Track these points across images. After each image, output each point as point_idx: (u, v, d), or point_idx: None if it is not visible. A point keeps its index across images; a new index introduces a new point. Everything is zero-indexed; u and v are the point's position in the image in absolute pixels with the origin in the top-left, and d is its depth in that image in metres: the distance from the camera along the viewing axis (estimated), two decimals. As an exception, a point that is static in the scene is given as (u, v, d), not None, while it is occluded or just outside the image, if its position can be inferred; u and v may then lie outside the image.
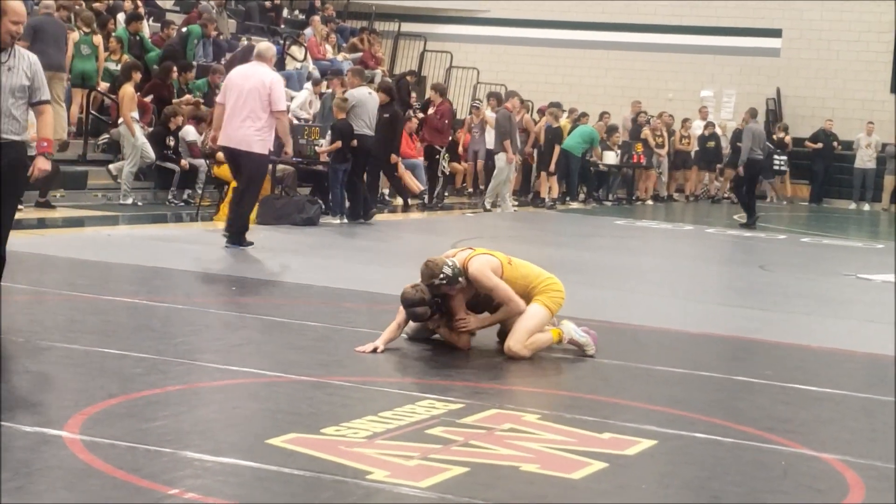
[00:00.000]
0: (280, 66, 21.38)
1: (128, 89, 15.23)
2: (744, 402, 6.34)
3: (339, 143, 14.95)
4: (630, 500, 4.44)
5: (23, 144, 6.76)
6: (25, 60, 6.74)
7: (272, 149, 11.74)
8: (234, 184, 14.21)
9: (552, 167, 20.71)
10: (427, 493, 4.29)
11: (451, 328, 7.16)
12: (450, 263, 7.00)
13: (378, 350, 6.85)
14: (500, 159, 18.94)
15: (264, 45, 11.96)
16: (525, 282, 7.13)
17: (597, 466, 4.77)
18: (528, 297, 7.12)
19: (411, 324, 7.24)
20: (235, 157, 11.44)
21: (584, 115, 22.20)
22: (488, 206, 19.02)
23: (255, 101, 11.17)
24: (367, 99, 15.41)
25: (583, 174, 22.26)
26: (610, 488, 4.54)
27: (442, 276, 6.94)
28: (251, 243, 11.51)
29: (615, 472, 4.74)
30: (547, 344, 7.08)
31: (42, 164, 6.87)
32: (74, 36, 16.38)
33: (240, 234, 11.49)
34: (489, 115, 20.26)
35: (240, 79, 11.43)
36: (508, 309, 7.09)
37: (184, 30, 19.19)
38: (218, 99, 11.88)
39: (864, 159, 26.29)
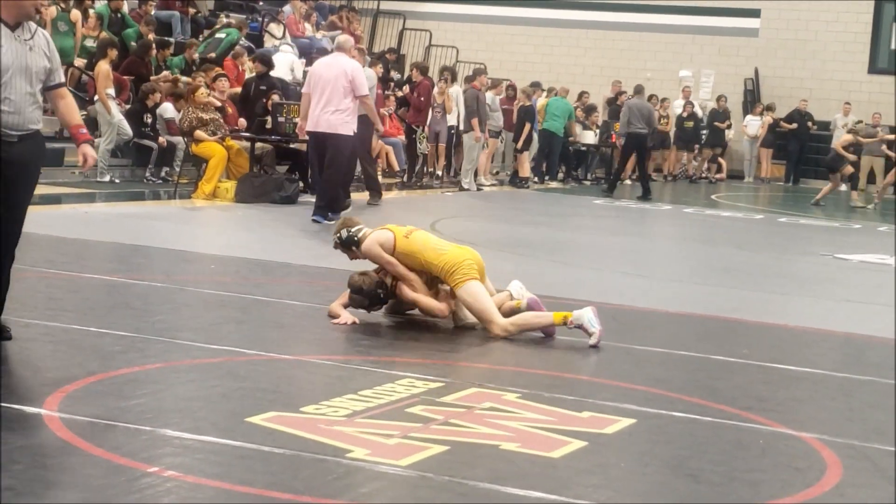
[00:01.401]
0: (258, 43, 21.31)
1: (103, 66, 15.13)
2: (722, 381, 6.37)
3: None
4: (609, 479, 4.46)
5: (42, 135, 6.04)
6: (42, 38, 5.90)
7: (356, 130, 12.63)
8: (212, 161, 14.23)
9: (520, 145, 20.53)
10: (407, 472, 4.29)
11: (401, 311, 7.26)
12: (355, 227, 7.22)
13: (356, 322, 6.97)
14: (468, 138, 18.90)
15: (343, 38, 13.20)
16: (423, 257, 7.08)
17: (576, 445, 4.78)
18: (438, 282, 7.14)
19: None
20: (322, 141, 12.43)
21: (552, 90, 21.99)
22: (465, 186, 19.00)
23: (339, 89, 12.25)
24: (375, 78, 15.63)
25: (562, 153, 22.29)
26: (589, 467, 4.55)
27: (337, 236, 7.27)
28: (338, 215, 11.90)
29: (594, 450, 4.76)
30: (541, 323, 7.03)
31: (92, 153, 6.08)
32: (52, 12, 16.27)
33: (324, 209, 12.55)
34: (450, 92, 19.75)
35: (323, 69, 12.55)
36: (407, 285, 7.14)
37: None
38: (304, 89, 12.96)
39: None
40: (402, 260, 7.11)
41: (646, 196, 19.81)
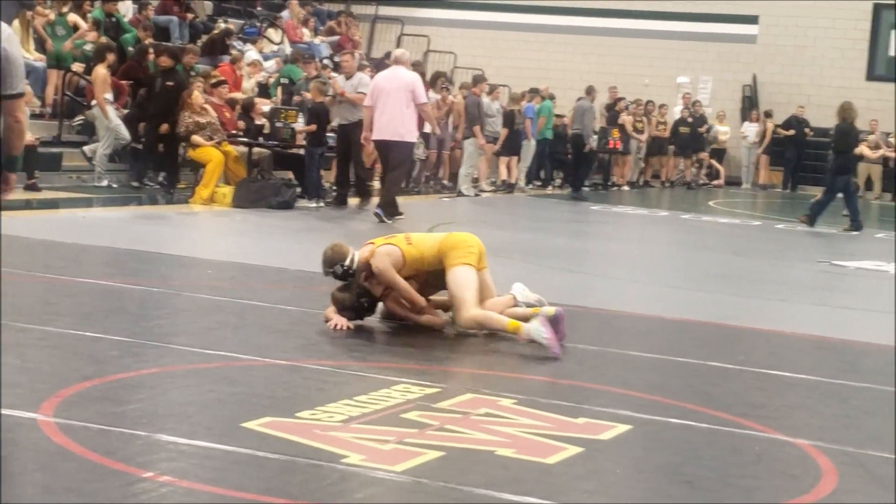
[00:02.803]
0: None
1: (100, 71, 15.11)
2: (718, 387, 6.37)
3: (314, 126, 14.92)
4: (605, 485, 4.46)
5: None
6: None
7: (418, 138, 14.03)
8: (210, 166, 14.23)
9: (497, 147, 20.28)
10: (402, 478, 4.29)
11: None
12: (348, 259, 7.04)
13: (350, 327, 6.97)
14: (469, 144, 18.88)
15: (399, 51, 14.37)
16: (431, 253, 7.07)
17: (572, 451, 4.78)
18: (443, 266, 7.08)
19: (380, 306, 7.29)
20: (386, 148, 13.38)
21: (534, 91, 21.91)
22: (464, 192, 18.99)
23: (401, 99, 13.21)
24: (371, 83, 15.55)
25: (559, 159, 22.33)
26: (585, 473, 4.55)
27: (334, 269, 7.08)
28: (401, 214, 13.47)
29: (590, 456, 4.76)
30: (498, 326, 6.96)
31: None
32: (49, 16, 16.26)
33: (388, 208, 13.47)
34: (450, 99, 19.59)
35: (384, 81, 13.48)
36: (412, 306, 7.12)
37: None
38: (366, 102, 13.78)
39: (840, 146, 26.36)
40: (414, 266, 7.06)
41: (573, 196, 20.25)
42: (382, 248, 7.09)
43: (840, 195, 17.39)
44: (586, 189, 21.86)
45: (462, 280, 6.98)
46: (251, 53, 20.03)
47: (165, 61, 14.92)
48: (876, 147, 25.56)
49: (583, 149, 20.76)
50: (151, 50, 16.87)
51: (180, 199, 14.43)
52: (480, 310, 6.97)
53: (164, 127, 14.77)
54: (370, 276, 7.07)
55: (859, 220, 17.12)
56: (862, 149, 22.19)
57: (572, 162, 21.21)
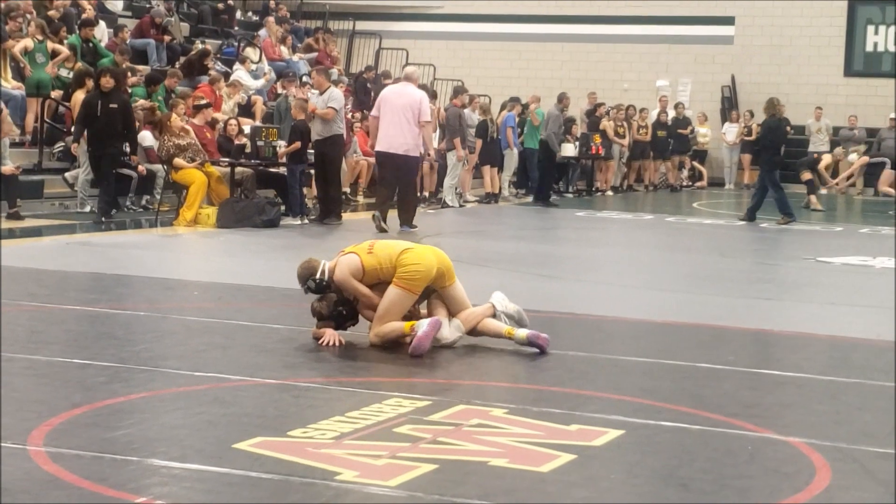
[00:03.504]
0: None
1: (79, 97, 15.08)
2: (709, 388, 6.37)
3: (298, 144, 14.93)
4: (599, 491, 4.45)
5: None
6: None
7: (421, 152, 14.41)
8: (193, 187, 14.22)
9: (475, 158, 20.28)
10: (397, 492, 4.28)
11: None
12: (319, 272, 7.08)
13: (341, 342, 7.01)
14: (451, 157, 18.90)
15: (411, 69, 15.00)
16: (387, 264, 7.06)
17: (565, 458, 4.78)
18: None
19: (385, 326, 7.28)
20: (391, 159, 13.95)
21: (514, 100, 21.92)
22: (449, 203, 18.98)
23: (409, 115, 13.78)
24: (342, 98, 15.56)
25: (542, 167, 22.33)
26: (579, 480, 4.55)
27: (307, 284, 7.13)
28: (413, 226, 14.22)
29: (584, 463, 4.75)
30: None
31: None
32: (28, 44, 16.21)
33: (409, 221, 14.27)
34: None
35: (393, 96, 14.05)
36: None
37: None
38: (372, 113, 14.48)
39: (818, 144, 26.49)
40: (374, 274, 7.05)
41: (537, 203, 20.24)
42: (343, 259, 7.15)
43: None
44: (560, 196, 21.91)
45: (387, 300, 7.01)
46: (240, 73, 20.06)
47: (108, 82, 14.19)
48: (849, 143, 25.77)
49: (552, 156, 20.67)
50: (130, 74, 16.88)
51: (164, 222, 14.40)
52: (382, 326, 6.99)
53: (135, 158, 14.66)
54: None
55: (791, 211, 17.52)
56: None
57: (539, 169, 21.01)
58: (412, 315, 7.13)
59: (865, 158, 25.25)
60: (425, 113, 14.07)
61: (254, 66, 21.15)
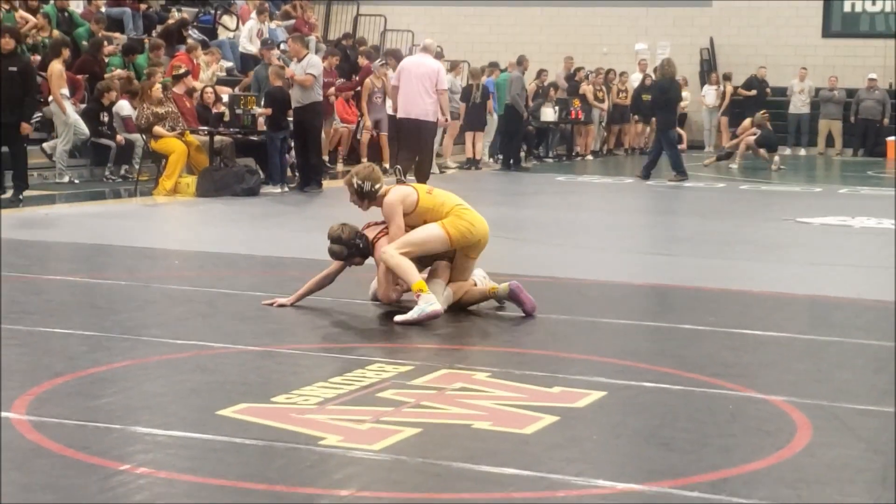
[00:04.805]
0: (212, 35, 21.18)
1: (56, 66, 14.95)
2: (690, 349, 6.40)
3: (269, 110, 14.88)
4: (583, 452, 4.48)
5: None
6: None
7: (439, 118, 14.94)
8: (172, 157, 14.16)
9: (458, 124, 20.18)
10: (380, 456, 4.30)
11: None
12: (376, 186, 7.14)
13: (282, 305, 7.07)
14: None
15: (429, 41, 15.54)
16: (444, 208, 7.13)
17: (548, 420, 4.80)
18: (431, 261, 7.18)
19: (373, 286, 7.26)
20: (412, 125, 14.57)
21: (493, 65, 21.82)
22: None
23: (427, 83, 14.44)
24: (321, 65, 15.58)
25: (521, 131, 22.28)
26: (562, 441, 4.57)
27: (358, 184, 7.12)
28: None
29: (566, 424, 4.78)
30: (403, 276, 6.88)
31: None
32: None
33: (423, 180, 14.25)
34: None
35: (412, 66, 14.76)
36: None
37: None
38: (392, 82, 15.27)
39: (798, 105, 26.53)
40: (424, 215, 7.08)
41: (506, 168, 20.38)
42: (399, 188, 7.24)
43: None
44: (540, 161, 21.87)
45: (425, 231, 7.02)
46: (243, 40, 20.00)
47: (7, 43, 12.71)
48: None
49: (519, 120, 20.63)
50: (107, 43, 16.76)
51: (144, 192, 14.35)
52: (402, 257, 6.90)
53: (26, 128, 12.93)
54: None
55: (684, 169, 18.33)
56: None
57: (503, 134, 20.96)
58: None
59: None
60: (442, 81, 14.81)
61: (231, 35, 21.02)
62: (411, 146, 14.80)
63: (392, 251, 6.92)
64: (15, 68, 12.70)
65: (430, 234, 7.02)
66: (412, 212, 7.10)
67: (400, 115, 14.78)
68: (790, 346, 6.56)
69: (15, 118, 12.68)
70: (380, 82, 18.49)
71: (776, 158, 21.56)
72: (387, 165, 18.52)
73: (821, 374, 5.89)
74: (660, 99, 18.79)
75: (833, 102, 26.24)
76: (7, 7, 16.10)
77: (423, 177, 14.71)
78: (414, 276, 6.86)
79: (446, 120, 16.40)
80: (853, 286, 8.52)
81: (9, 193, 12.83)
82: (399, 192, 7.15)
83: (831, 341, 6.64)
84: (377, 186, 7.17)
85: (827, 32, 27.28)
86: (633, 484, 4.08)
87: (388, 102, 18.47)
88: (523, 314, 7.03)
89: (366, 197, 7.20)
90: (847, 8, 27.21)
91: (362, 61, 19.59)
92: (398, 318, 6.73)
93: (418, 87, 14.51)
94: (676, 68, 19.36)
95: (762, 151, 21.79)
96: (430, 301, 6.73)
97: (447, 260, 7.19)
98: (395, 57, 18.65)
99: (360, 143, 18.86)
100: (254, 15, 19.90)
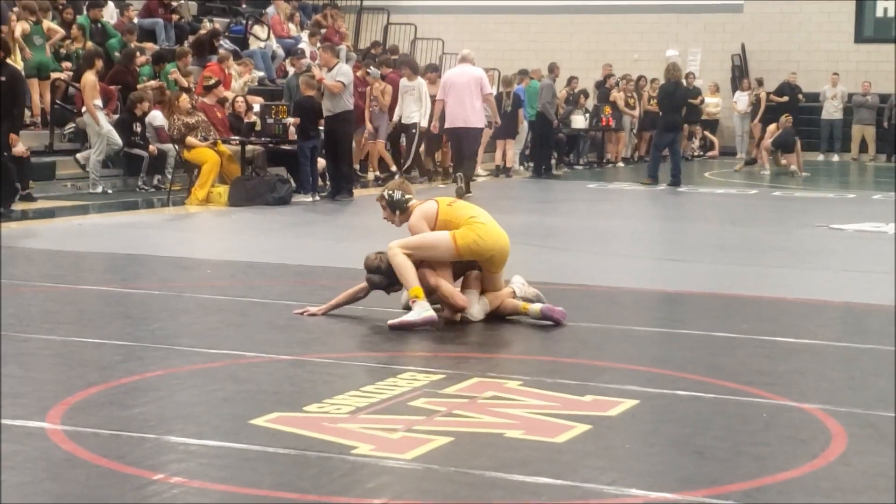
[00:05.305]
0: (243, 45, 21.29)
1: (89, 77, 15.07)
2: (723, 357, 6.37)
3: (297, 119, 14.92)
4: (615, 460, 4.46)
5: None
6: None
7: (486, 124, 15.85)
8: (205, 166, 14.23)
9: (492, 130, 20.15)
10: (412, 465, 4.30)
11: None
12: (406, 197, 7.28)
13: (313, 314, 7.09)
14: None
15: (466, 51, 16.40)
16: (459, 220, 7.14)
17: (580, 429, 4.78)
18: (466, 269, 7.23)
19: (404, 295, 7.24)
20: (459, 135, 15.49)
21: (523, 72, 21.76)
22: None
23: (472, 91, 15.32)
24: (351, 74, 15.51)
25: (551, 138, 22.27)
26: (595, 450, 4.55)
27: (389, 194, 7.26)
28: (470, 193, 14.88)
29: (599, 433, 4.76)
30: (403, 276, 6.89)
31: None
32: (24, 27, 16.08)
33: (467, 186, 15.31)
34: (412, 85, 18.06)
35: (456, 77, 15.67)
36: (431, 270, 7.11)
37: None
38: (438, 96, 15.87)
39: (831, 110, 26.38)
40: (443, 227, 7.11)
41: (537, 176, 20.42)
42: (422, 205, 7.27)
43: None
44: (571, 169, 21.82)
45: (433, 236, 7.06)
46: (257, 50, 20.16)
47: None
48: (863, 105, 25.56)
49: (549, 127, 20.62)
50: (139, 53, 16.86)
51: (176, 202, 14.43)
52: (405, 257, 6.92)
53: (15, 139, 12.51)
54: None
55: (679, 177, 18.46)
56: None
57: (537, 141, 20.94)
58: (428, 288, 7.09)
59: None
60: (486, 86, 15.69)
61: (262, 44, 21.11)
62: (470, 153, 15.62)
63: (397, 250, 6.98)
64: (2, 78, 12.22)
65: (437, 240, 7.07)
66: (433, 224, 7.17)
67: (447, 125, 15.61)
68: (824, 354, 6.51)
69: (4, 129, 12.26)
70: (376, 92, 17.81)
71: (792, 168, 21.37)
72: (377, 173, 18.41)
73: (855, 382, 5.85)
74: (664, 102, 19.02)
75: (866, 108, 26.07)
76: (34, 19, 16.16)
77: (465, 181, 15.44)
78: (413, 280, 6.90)
79: (497, 122, 17.36)
80: (887, 293, 8.45)
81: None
82: (422, 209, 7.22)
83: (865, 349, 6.59)
84: (407, 196, 7.25)
85: (859, 37, 27.11)
86: (666, 493, 4.06)
87: (415, 110, 18.39)
88: (553, 324, 7.02)
89: (396, 207, 7.25)
90: (879, 13, 27.04)
91: (384, 70, 19.53)
92: (391, 321, 6.79)
93: (463, 97, 15.29)
94: (681, 71, 19.67)
95: (779, 155, 21.68)
96: (425, 307, 6.80)
97: (478, 270, 7.20)
98: (409, 65, 18.52)
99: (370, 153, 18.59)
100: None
